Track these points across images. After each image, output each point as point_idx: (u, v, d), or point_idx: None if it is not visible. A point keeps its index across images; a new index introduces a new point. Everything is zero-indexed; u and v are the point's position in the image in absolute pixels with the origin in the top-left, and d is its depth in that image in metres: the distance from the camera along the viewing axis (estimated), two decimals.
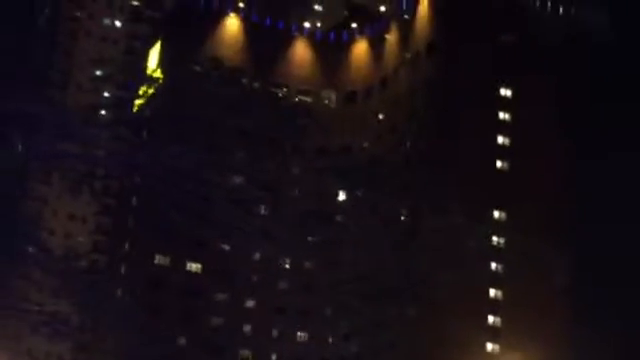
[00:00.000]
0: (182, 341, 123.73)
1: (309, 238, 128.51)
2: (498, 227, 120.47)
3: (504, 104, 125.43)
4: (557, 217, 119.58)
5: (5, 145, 49.42)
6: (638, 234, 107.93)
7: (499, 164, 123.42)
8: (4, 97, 46.24)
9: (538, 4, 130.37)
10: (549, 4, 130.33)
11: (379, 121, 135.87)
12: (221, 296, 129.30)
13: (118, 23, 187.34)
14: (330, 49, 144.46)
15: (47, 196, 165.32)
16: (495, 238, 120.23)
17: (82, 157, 50.63)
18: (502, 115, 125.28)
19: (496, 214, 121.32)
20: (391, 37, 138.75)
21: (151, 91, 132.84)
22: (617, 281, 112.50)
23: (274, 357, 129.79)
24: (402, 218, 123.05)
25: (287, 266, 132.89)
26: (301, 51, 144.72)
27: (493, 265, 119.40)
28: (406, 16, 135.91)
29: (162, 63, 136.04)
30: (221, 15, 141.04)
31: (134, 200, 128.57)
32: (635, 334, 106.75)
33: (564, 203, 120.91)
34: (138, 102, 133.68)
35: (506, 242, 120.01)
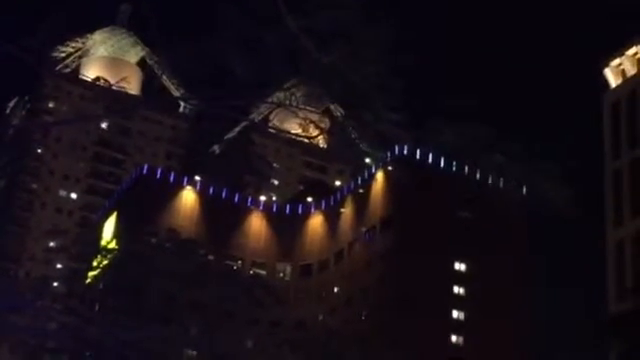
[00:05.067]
0: None
1: None
2: None
3: (459, 278, 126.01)
4: None
5: None
6: None
7: (454, 338, 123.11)
8: None
9: (497, 180, 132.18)
10: (511, 179, 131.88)
11: (334, 294, 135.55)
12: None
13: (74, 195, 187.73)
14: (286, 222, 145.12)
15: None
16: None
17: (33, 330, 49.78)
18: (457, 289, 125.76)
19: None
20: (346, 211, 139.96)
21: (105, 262, 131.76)
22: None
23: None
24: None
25: None
26: (256, 224, 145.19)
27: None
28: (361, 190, 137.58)
29: (117, 234, 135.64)
30: (178, 188, 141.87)
31: None
32: None
33: None
34: (91, 274, 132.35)
35: None
